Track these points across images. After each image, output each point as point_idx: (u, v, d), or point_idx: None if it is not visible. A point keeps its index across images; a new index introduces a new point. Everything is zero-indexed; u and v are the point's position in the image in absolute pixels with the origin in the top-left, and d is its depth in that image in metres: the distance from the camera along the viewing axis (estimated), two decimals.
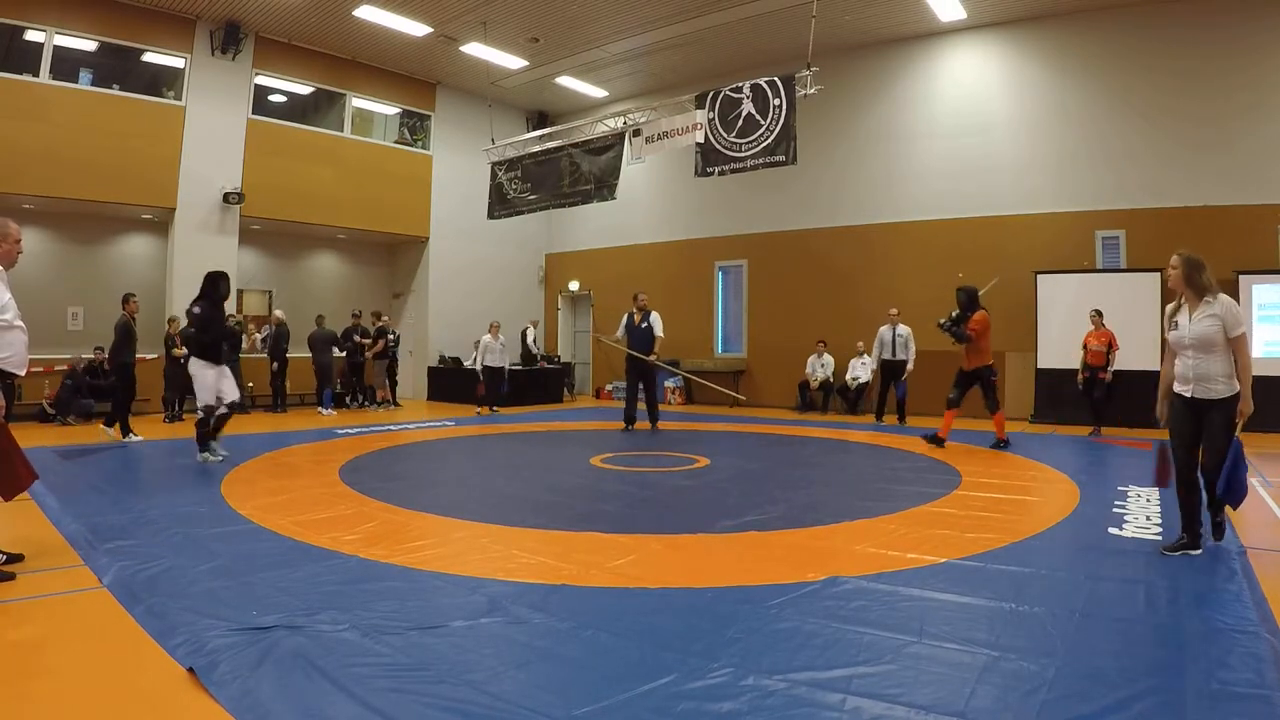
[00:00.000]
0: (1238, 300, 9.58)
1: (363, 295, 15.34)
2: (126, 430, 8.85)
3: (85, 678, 2.54)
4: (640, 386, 10.00)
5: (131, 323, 8.98)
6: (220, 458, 7.13)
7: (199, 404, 7.08)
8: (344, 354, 12.98)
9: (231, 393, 7.20)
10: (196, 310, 7.05)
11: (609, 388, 15.61)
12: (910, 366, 10.82)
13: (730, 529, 4.59)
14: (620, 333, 10.35)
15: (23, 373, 3.94)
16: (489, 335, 12.73)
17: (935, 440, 8.13)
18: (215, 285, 7.13)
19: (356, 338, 13.01)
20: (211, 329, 7.01)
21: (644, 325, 10.07)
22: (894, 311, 10.93)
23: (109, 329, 11.88)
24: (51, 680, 2.52)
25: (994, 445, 8.13)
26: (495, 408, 12.71)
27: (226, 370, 7.21)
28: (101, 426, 9.05)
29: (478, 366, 12.69)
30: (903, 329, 10.85)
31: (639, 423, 10.12)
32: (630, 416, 10.01)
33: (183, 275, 11.86)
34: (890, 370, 11.03)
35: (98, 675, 2.56)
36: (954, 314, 8.32)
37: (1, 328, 3.72)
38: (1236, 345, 3.85)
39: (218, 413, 7.15)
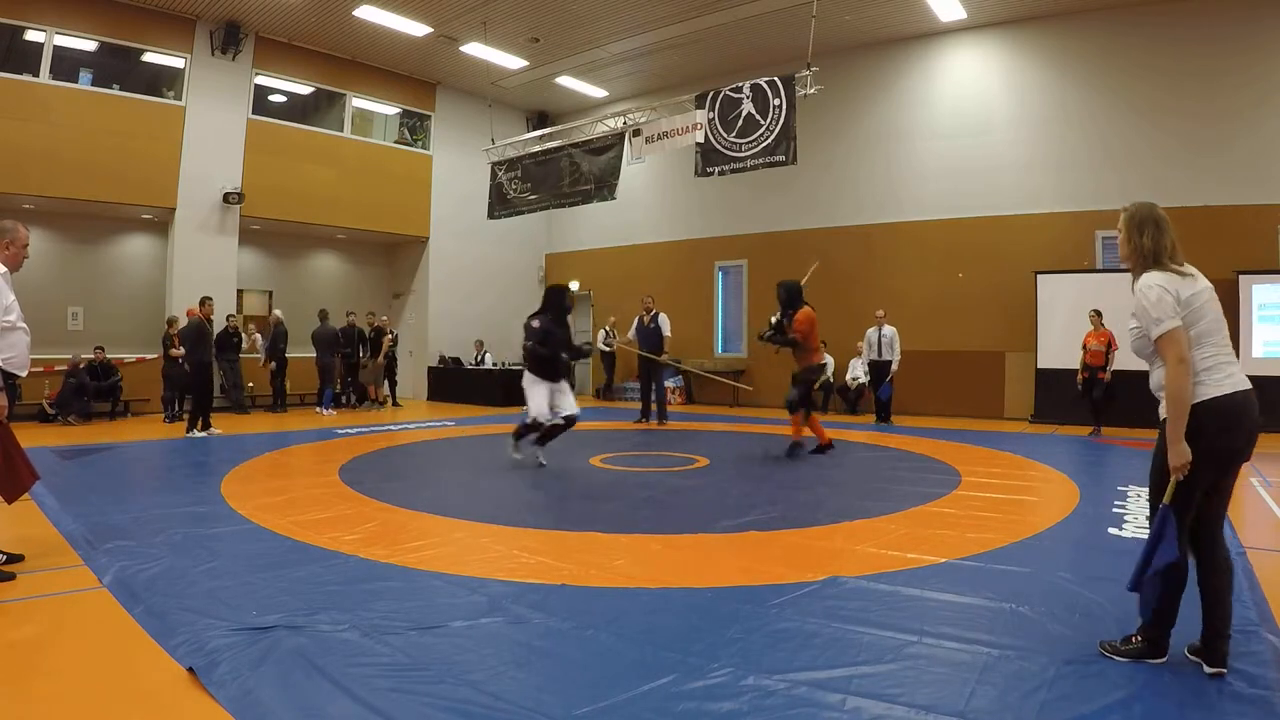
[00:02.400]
0: (1236, 299, 9.71)
1: (363, 295, 15.35)
2: (207, 425, 9.27)
3: (85, 678, 2.53)
4: (652, 385, 10.72)
5: (205, 324, 9.38)
6: (520, 457, 6.90)
7: (529, 415, 6.81)
8: (337, 355, 12.91)
9: (569, 407, 6.87)
10: (536, 324, 6.82)
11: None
12: (895, 367, 10.95)
13: (730, 529, 4.59)
14: (631, 334, 11.03)
15: (24, 374, 3.95)
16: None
17: (822, 449, 7.52)
18: (560, 299, 6.95)
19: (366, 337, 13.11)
20: (550, 342, 6.77)
21: (651, 326, 10.67)
22: (880, 313, 11.12)
23: (109, 329, 12.00)
24: (51, 680, 2.51)
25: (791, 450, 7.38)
26: None
27: (564, 386, 6.92)
28: (188, 431, 9.19)
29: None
30: (888, 330, 11.01)
31: (651, 422, 10.60)
32: (645, 411, 10.78)
33: (183, 275, 11.88)
34: (878, 370, 11.13)
35: (98, 675, 2.56)
36: (773, 319, 7.49)
37: (4, 329, 3.72)
38: (1159, 350, 2.54)
39: (552, 422, 6.87)
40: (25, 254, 3.98)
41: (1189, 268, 2.65)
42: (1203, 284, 2.62)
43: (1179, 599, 2.58)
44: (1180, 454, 2.47)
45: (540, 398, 6.81)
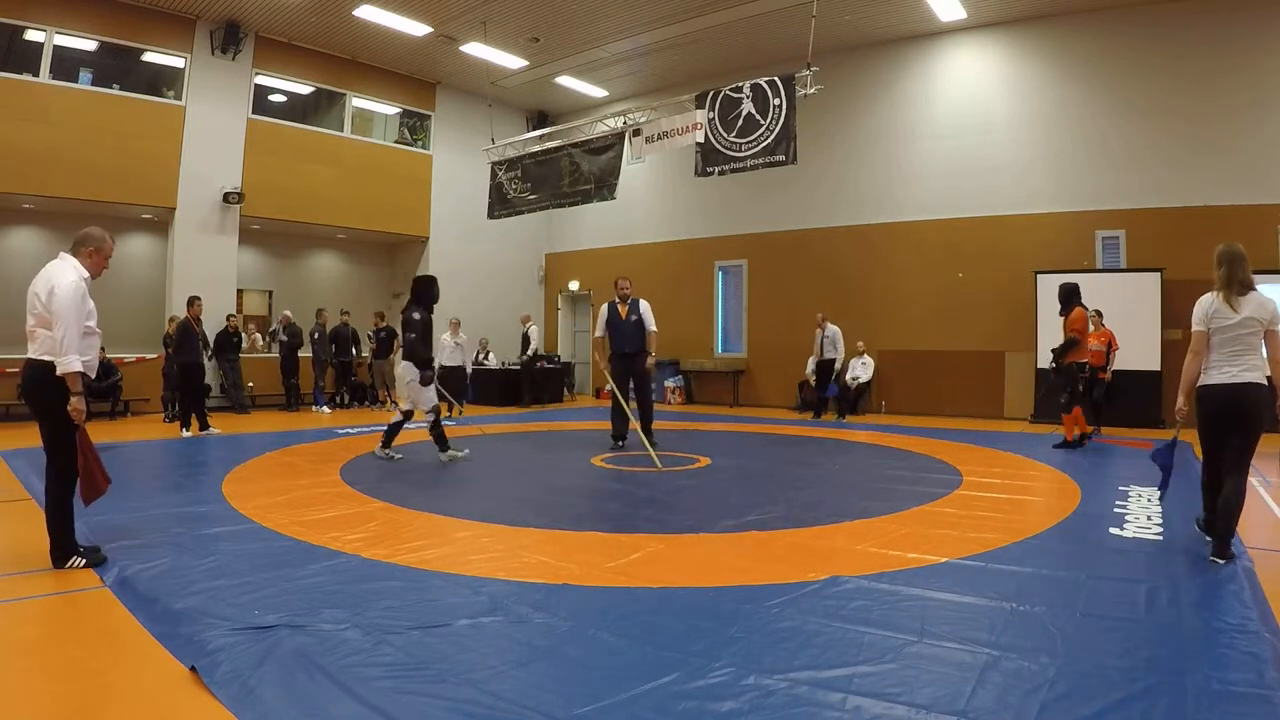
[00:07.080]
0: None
1: (363, 295, 15.35)
2: (205, 425, 9.20)
3: (87, 677, 2.54)
4: (631, 392, 8.28)
5: (191, 325, 9.31)
6: (464, 453, 7.23)
7: (426, 407, 6.99)
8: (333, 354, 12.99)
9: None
10: (417, 316, 6.82)
11: (608, 387, 15.57)
12: (838, 366, 11.48)
13: (731, 528, 4.59)
14: (600, 332, 8.42)
15: (93, 375, 4.05)
16: (446, 334, 12.12)
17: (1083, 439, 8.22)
18: (429, 290, 7.03)
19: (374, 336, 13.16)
20: (430, 336, 6.96)
21: (632, 318, 8.18)
22: (820, 316, 11.67)
23: (109, 329, 11.79)
24: (53, 680, 2.52)
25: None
26: (459, 409, 11.95)
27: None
28: (181, 431, 9.18)
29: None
30: (830, 329, 11.55)
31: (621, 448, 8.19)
32: (619, 432, 8.22)
33: (183, 275, 11.88)
34: (825, 370, 11.64)
35: (99, 675, 2.56)
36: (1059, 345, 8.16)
37: (86, 333, 3.83)
38: None
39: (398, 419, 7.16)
40: (107, 265, 4.10)
41: (1247, 298, 3.85)
42: (1240, 314, 3.83)
43: (1216, 503, 3.90)
44: (1179, 406, 4.05)
45: (432, 389, 7.04)
